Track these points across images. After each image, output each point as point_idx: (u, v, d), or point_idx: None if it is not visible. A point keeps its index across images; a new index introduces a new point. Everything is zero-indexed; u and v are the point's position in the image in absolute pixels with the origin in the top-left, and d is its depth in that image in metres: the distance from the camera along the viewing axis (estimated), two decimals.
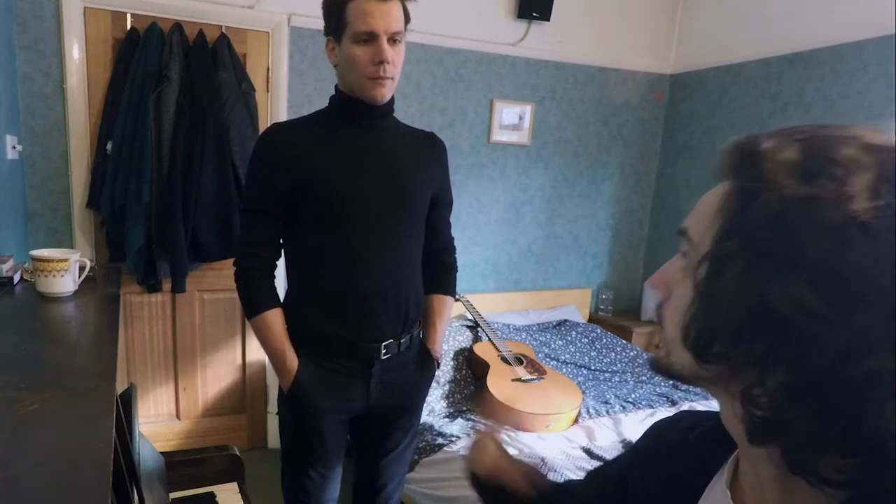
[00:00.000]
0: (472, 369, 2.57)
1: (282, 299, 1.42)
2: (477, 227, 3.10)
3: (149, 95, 2.23)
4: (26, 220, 2.34)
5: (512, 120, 3.04)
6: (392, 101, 1.39)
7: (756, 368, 0.41)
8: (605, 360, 2.89)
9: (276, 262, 1.42)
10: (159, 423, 2.69)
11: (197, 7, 2.39)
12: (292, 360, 1.37)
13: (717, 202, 0.45)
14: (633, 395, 2.58)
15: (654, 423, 0.69)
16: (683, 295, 0.46)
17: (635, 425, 2.29)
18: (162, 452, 1.36)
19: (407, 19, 1.32)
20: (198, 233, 2.34)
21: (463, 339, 2.72)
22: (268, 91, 2.59)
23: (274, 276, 1.41)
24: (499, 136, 3.03)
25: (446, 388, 2.49)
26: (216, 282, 2.65)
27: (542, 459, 1.97)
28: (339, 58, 1.32)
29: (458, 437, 2.12)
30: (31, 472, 0.62)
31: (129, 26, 2.32)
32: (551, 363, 2.74)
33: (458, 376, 2.55)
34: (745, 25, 2.88)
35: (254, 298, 1.37)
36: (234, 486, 1.44)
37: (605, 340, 2.98)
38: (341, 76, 1.35)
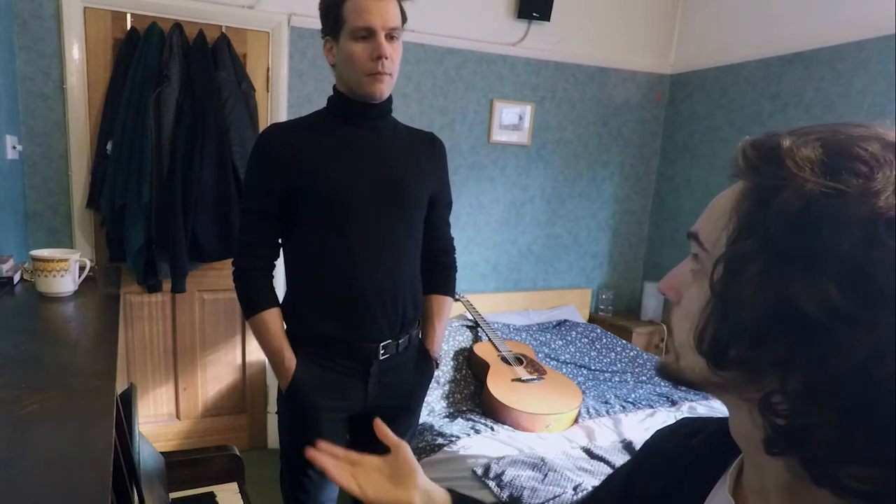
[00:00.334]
0: (472, 369, 2.57)
1: (281, 299, 1.42)
2: (477, 227, 3.10)
3: (149, 95, 2.23)
4: (26, 220, 2.34)
5: (512, 120, 3.04)
6: (390, 101, 1.39)
7: (776, 373, 0.39)
8: (605, 360, 2.89)
9: (275, 262, 1.42)
10: (159, 423, 2.69)
11: (197, 7, 2.39)
12: (290, 360, 1.37)
13: (730, 203, 0.43)
14: (633, 395, 2.58)
15: (657, 431, 0.68)
16: (696, 298, 0.45)
17: (635, 425, 2.29)
18: (162, 452, 1.36)
19: (403, 18, 1.32)
20: (198, 233, 2.34)
21: (463, 339, 2.72)
22: (268, 91, 2.59)
23: (272, 276, 1.42)
24: (499, 136, 3.03)
25: (446, 388, 2.49)
26: (216, 282, 2.65)
27: (542, 459, 1.97)
28: (337, 57, 1.32)
29: (458, 437, 2.12)
30: (31, 472, 0.62)
31: (129, 26, 2.32)
32: (551, 363, 2.74)
33: (458, 376, 2.55)
34: (745, 25, 2.88)
35: (252, 298, 1.37)
36: (234, 486, 1.44)
37: (605, 340, 2.98)
38: (339, 75, 1.35)
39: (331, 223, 1.34)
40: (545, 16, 2.91)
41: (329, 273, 1.36)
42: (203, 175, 2.31)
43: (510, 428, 2.22)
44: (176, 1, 2.35)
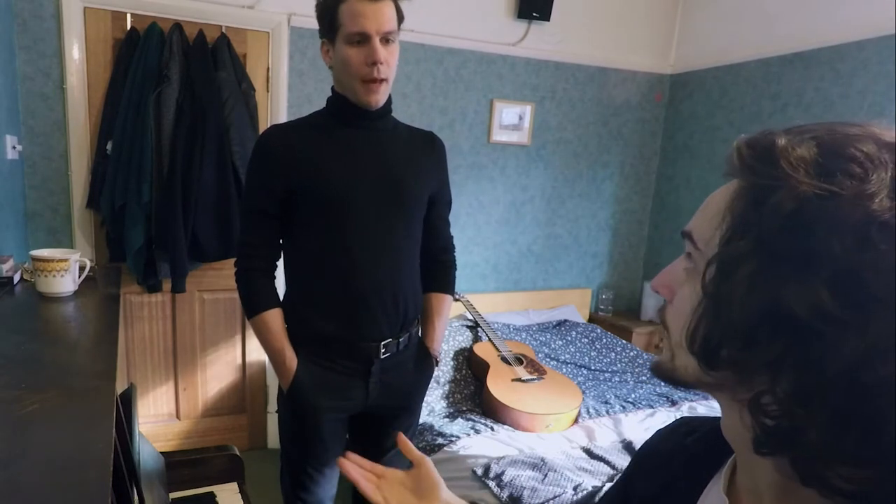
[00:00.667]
0: (472, 369, 2.57)
1: (281, 299, 1.42)
2: (477, 227, 3.10)
3: (149, 95, 2.23)
4: (26, 220, 2.34)
5: (512, 120, 3.04)
6: (389, 101, 1.39)
7: (767, 374, 0.39)
8: (605, 360, 2.89)
9: (276, 263, 1.42)
10: (159, 423, 2.69)
11: (197, 7, 2.39)
12: (291, 360, 1.38)
13: (724, 202, 0.43)
14: (633, 395, 2.58)
15: (656, 431, 0.68)
16: (688, 298, 0.45)
17: (635, 425, 2.29)
18: (162, 452, 1.36)
19: (400, 18, 1.32)
20: (198, 233, 2.34)
21: (463, 339, 2.72)
22: (268, 91, 2.59)
23: (274, 277, 1.42)
24: (499, 136, 3.03)
25: (446, 388, 2.49)
26: (216, 282, 2.65)
27: (542, 459, 1.97)
28: (333, 60, 1.33)
29: (458, 437, 2.12)
30: (31, 472, 0.62)
31: (129, 26, 2.32)
32: (551, 363, 2.74)
33: (458, 376, 2.55)
34: (745, 25, 2.88)
35: (254, 298, 1.38)
36: (234, 486, 1.44)
37: (605, 340, 2.98)
38: (336, 78, 1.36)
39: (331, 223, 1.34)
40: (545, 16, 2.91)
41: (329, 273, 1.36)
42: (203, 175, 2.31)
43: (510, 428, 2.22)
44: (176, 1, 2.35)
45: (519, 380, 2.41)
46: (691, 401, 2.51)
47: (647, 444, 0.67)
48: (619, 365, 2.87)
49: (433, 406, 2.38)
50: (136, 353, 2.59)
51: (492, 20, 2.90)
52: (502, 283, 3.24)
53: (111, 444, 0.67)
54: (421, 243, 1.49)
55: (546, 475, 1.88)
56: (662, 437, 0.65)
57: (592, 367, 2.83)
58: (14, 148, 2.14)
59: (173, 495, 1.34)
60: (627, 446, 2.11)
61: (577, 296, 3.39)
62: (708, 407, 2.44)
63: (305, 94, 2.63)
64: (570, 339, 2.95)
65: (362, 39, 1.26)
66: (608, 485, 1.82)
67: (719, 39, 3.03)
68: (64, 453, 0.67)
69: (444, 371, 2.54)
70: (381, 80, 1.29)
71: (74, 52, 2.28)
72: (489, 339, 2.67)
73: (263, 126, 2.53)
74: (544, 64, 3.05)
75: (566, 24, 3.03)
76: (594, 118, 3.24)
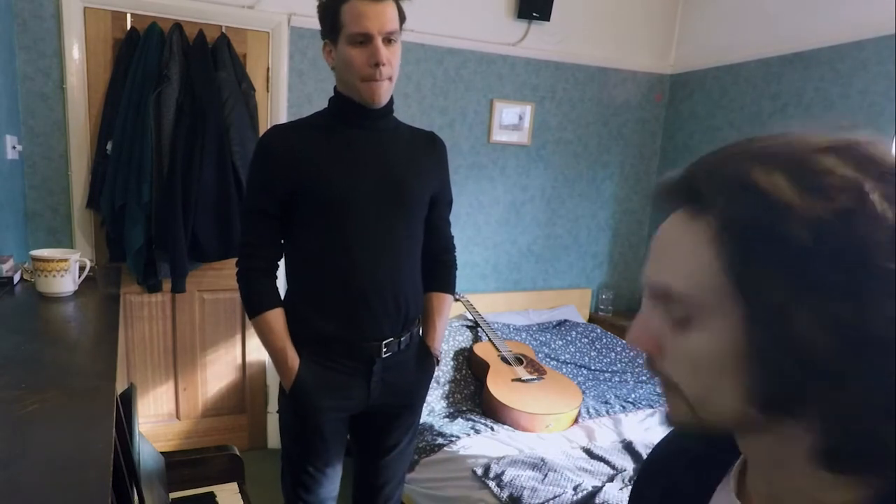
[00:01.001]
0: (472, 369, 2.58)
1: (282, 299, 1.42)
2: (477, 227, 3.10)
3: (149, 95, 2.23)
4: (26, 220, 2.34)
5: (512, 120, 3.04)
6: (391, 101, 1.40)
7: (852, 401, 0.38)
8: (605, 360, 2.89)
9: (278, 263, 1.43)
10: (159, 423, 2.69)
11: (197, 7, 2.39)
12: (293, 359, 1.38)
13: (696, 242, 0.42)
14: (633, 395, 2.58)
15: (659, 441, 0.68)
16: (703, 349, 0.42)
17: (635, 425, 2.29)
18: (162, 452, 1.36)
19: (402, 18, 1.32)
20: (198, 233, 2.34)
21: (463, 339, 2.72)
22: (268, 91, 2.59)
23: (275, 277, 1.42)
24: (499, 136, 3.03)
25: (446, 388, 2.49)
26: (216, 282, 2.65)
27: (542, 459, 1.97)
28: (336, 60, 1.33)
29: (458, 437, 2.12)
30: (31, 472, 0.62)
31: (129, 26, 2.32)
32: (551, 363, 2.74)
33: (458, 376, 2.55)
34: (745, 25, 2.88)
35: (255, 298, 1.38)
36: (234, 486, 1.45)
37: (605, 340, 2.98)
38: (339, 78, 1.36)
39: (332, 223, 1.34)
40: (545, 16, 2.91)
41: (330, 273, 1.36)
42: (203, 175, 2.31)
43: (510, 428, 2.22)
44: (176, 1, 2.35)
45: (519, 380, 2.41)
46: None
47: (651, 453, 0.67)
48: (619, 365, 2.87)
49: (433, 406, 2.38)
50: (136, 353, 2.59)
51: (492, 20, 2.90)
52: (502, 283, 3.24)
53: (111, 444, 0.68)
54: (422, 243, 1.49)
55: (546, 475, 1.88)
56: (667, 441, 0.65)
57: (592, 367, 2.83)
58: (14, 148, 2.14)
59: (173, 495, 1.34)
60: (627, 446, 2.11)
61: (577, 296, 3.39)
62: None
63: (305, 94, 2.63)
64: (570, 339, 2.95)
65: (364, 40, 1.26)
66: (609, 485, 1.82)
67: (719, 39, 3.03)
68: (64, 453, 0.67)
69: (444, 371, 2.54)
70: (384, 81, 1.29)
71: (74, 52, 2.28)
72: (489, 339, 2.67)
73: (263, 126, 2.53)
74: (544, 64, 3.05)
75: (566, 24, 3.03)
76: (594, 118, 3.24)
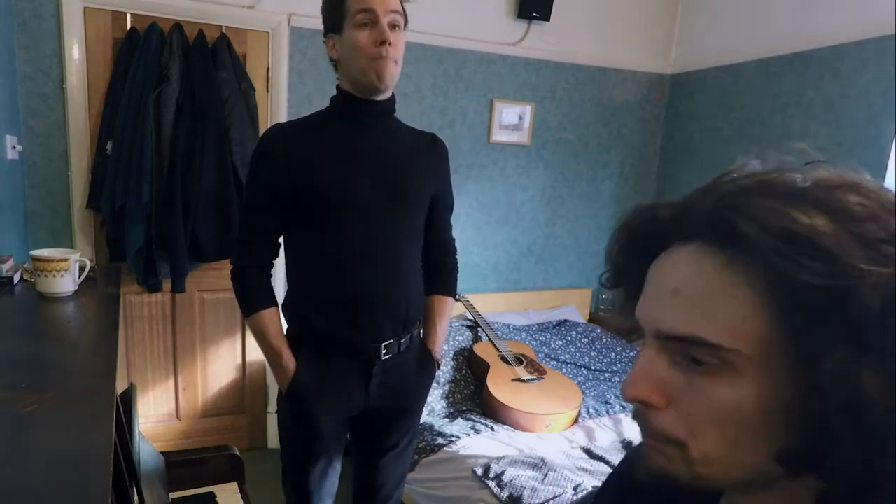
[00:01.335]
0: (472, 369, 2.58)
1: (281, 299, 1.42)
2: (477, 227, 3.10)
3: (149, 95, 2.23)
4: (26, 220, 2.34)
5: (512, 120, 3.04)
6: (393, 100, 1.40)
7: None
8: (605, 360, 2.89)
9: (274, 262, 1.42)
10: (159, 423, 2.69)
11: (197, 7, 2.39)
12: (289, 360, 1.37)
13: (743, 290, 0.39)
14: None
15: (623, 461, 0.64)
16: (737, 402, 0.40)
17: (635, 425, 2.29)
18: (162, 452, 1.36)
19: (405, 18, 1.33)
20: (198, 233, 2.34)
21: (463, 339, 2.72)
22: (268, 91, 2.59)
23: (271, 275, 1.42)
24: (499, 136, 3.03)
25: (446, 388, 2.49)
26: (216, 282, 2.65)
27: (542, 459, 1.97)
28: (340, 50, 1.32)
29: (458, 437, 2.12)
30: (31, 472, 0.62)
31: (129, 26, 2.32)
32: (551, 363, 2.74)
33: (458, 376, 2.55)
34: (745, 25, 2.88)
35: (250, 297, 1.38)
36: (234, 486, 1.45)
37: (605, 340, 2.98)
38: (343, 71, 1.35)
39: (332, 223, 1.34)
40: (545, 16, 2.91)
41: (330, 273, 1.35)
42: (203, 175, 2.31)
43: (510, 428, 2.22)
44: (176, 1, 2.35)
45: (519, 380, 2.41)
46: None
47: (620, 473, 0.63)
48: (619, 365, 2.87)
49: (433, 406, 2.38)
50: (136, 353, 2.59)
51: (492, 20, 2.90)
52: (502, 283, 3.24)
53: (111, 444, 0.68)
54: (423, 245, 1.49)
55: (546, 475, 1.88)
56: (622, 478, 0.61)
57: (592, 367, 2.83)
58: (14, 148, 2.14)
59: (173, 495, 1.34)
60: (627, 446, 2.11)
61: (577, 296, 3.39)
62: None
63: (305, 94, 2.63)
64: (570, 339, 2.95)
65: (371, 21, 1.27)
66: None
67: (719, 39, 3.03)
68: (64, 453, 0.67)
69: (444, 371, 2.54)
70: (391, 60, 1.29)
71: (74, 52, 2.28)
72: (489, 339, 2.67)
73: (263, 126, 2.53)
74: (544, 64, 3.05)
75: (566, 23, 3.03)
76: (594, 118, 3.24)
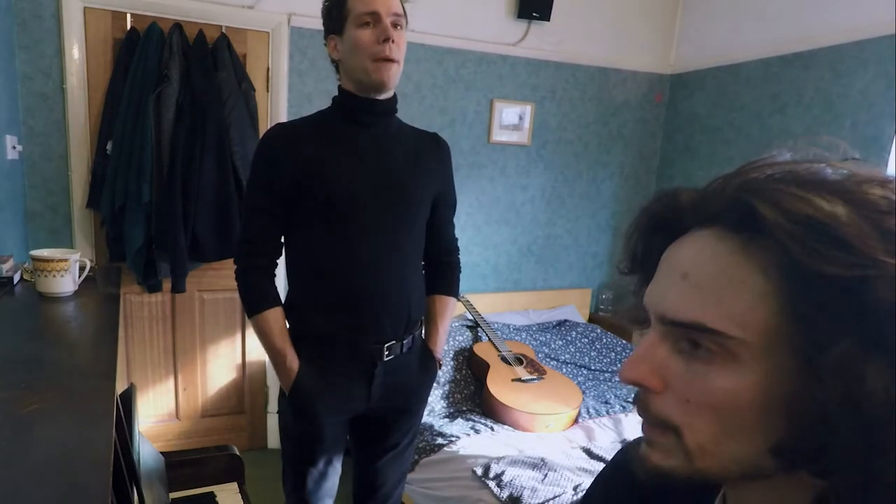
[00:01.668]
0: (472, 369, 2.58)
1: (283, 299, 1.42)
2: (477, 227, 3.10)
3: (149, 95, 2.23)
4: (26, 220, 2.34)
5: (512, 120, 3.04)
6: (395, 100, 1.40)
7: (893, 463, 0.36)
8: (605, 360, 2.89)
9: (277, 262, 1.42)
10: (159, 423, 2.69)
11: (197, 7, 2.39)
12: (292, 360, 1.37)
13: (755, 276, 0.38)
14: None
15: (620, 452, 0.63)
16: (727, 391, 0.39)
17: (635, 425, 2.28)
18: (162, 452, 1.36)
19: (405, 18, 1.33)
20: (198, 233, 2.34)
21: (463, 339, 2.73)
22: (268, 91, 2.59)
23: (274, 276, 1.42)
24: (499, 136, 3.03)
25: (446, 388, 2.49)
26: (216, 282, 2.65)
27: (542, 459, 1.97)
28: (342, 50, 1.33)
29: (458, 437, 2.12)
30: (31, 472, 0.62)
31: (129, 26, 2.32)
32: (551, 363, 2.74)
33: (458, 376, 2.55)
34: (745, 25, 2.88)
35: (254, 297, 1.37)
36: (234, 486, 1.45)
37: (605, 340, 2.99)
38: (345, 70, 1.35)
39: (334, 223, 1.34)
40: (545, 16, 2.91)
41: (332, 273, 1.35)
42: (203, 175, 2.31)
43: (510, 428, 2.22)
44: (176, 1, 2.35)
45: (519, 380, 2.41)
46: None
47: (611, 468, 0.62)
48: (619, 365, 2.87)
49: (433, 406, 2.38)
50: (136, 353, 2.59)
51: (492, 20, 2.90)
52: (502, 283, 3.24)
53: (111, 444, 0.68)
54: (425, 245, 1.49)
55: (546, 475, 1.88)
56: (615, 474, 0.61)
57: (592, 367, 2.83)
58: (14, 148, 2.14)
59: (173, 495, 1.34)
60: None
61: (577, 296, 3.39)
62: None
63: (305, 94, 2.63)
64: (570, 339, 2.95)
65: (373, 20, 1.27)
66: None
67: (719, 39, 3.03)
68: (64, 453, 0.67)
69: (444, 371, 2.54)
70: (393, 60, 1.29)
71: (74, 52, 2.28)
72: (489, 339, 2.67)
73: (263, 126, 2.53)
74: (544, 64, 3.05)
75: (566, 24, 3.03)
76: (594, 118, 3.24)
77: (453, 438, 2.12)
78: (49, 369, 0.93)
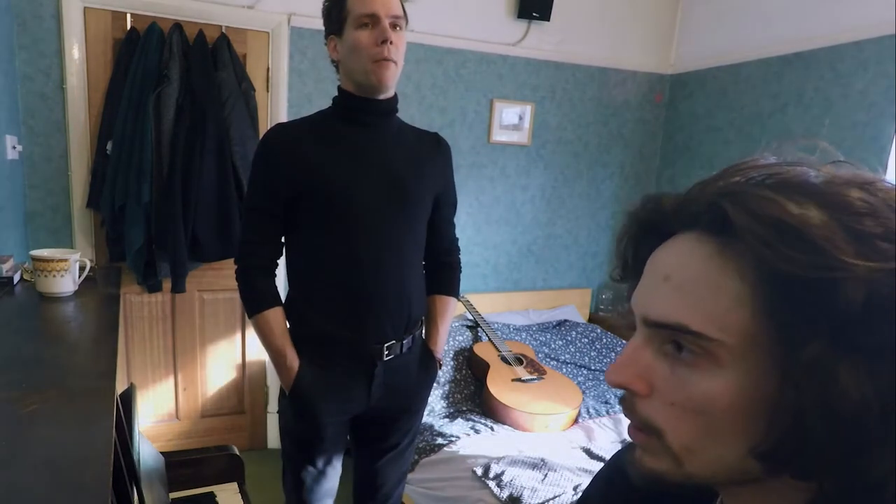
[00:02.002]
0: (472, 369, 2.58)
1: (283, 299, 1.42)
2: (477, 227, 3.10)
3: (149, 95, 2.23)
4: (26, 220, 2.34)
5: (512, 120, 3.04)
6: (395, 100, 1.40)
7: (873, 465, 0.36)
8: (605, 360, 2.89)
9: (278, 262, 1.42)
10: (159, 423, 2.69)
11: (197, 7, 2.39)
12: (293, 360, 1.37)
13: (731, 280, 0.39)
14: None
15: (617, 454, 0.62)
16: (704, 393, 0.40)
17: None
18: (162, 452, 1.36)
19: (405, 17, 1.33)
20: (198, 233, 2.34)
21: (463, 339, 2.73)
22: (268, 91, 2.59)
23: (275, 275, 1.42)
24: (499, 136, 3.03)
25: (446, 388, 2.49)
26: (216, 282, 2.65)
27: (542, 459, 1.97)
28: (341, 51, 1.33)
29: (458, 437, 2.12)
30: (31, 472, 0.62)
31: (129, 26, 2.32)
32: (551, 363, 2.74)
33: (458, 376, 2.55)
34: (745, 25, 2.88)
35: (255, 297, 1.38)
36: (234, 486, 1.45)
37: (605, 340, 2.99)
38: (345, 71, 1.35)
39: (334, 223, 1.34)
40: (545, 16, 2.91)
41: (332, 273, 1.36)
42: (203, 175, 2.31)
43: (510, 428, 2.22)
44: (176, 1, 2.35)
45: (519, 380, 2.41)
46: None
47: (608, 470, 0.62)
48: None
49: (433, 406, 2.38)
50: (136, 353, 2.59)
51: (492, 20, 2.90)
52: (502, 283, 3.24)
53: (111, 444, 0.68)
54: (425, 245, 1.49)
55: (546, 475, 1.88)
56: (610, 478, 0.61)
57: (592, 367, 2.83)
58: (14, 148, 2.14)
59: (173, 495, 1.34)
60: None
61: (577, 296, 3.39)
62: None
63: (305, 94, 2.63)
64: (570, 339, 2.95)
65: (372, 22, 1.27)
66: None
67: (719, 39, 3.03)
68: (64, 453, 0.67)
69: (444, 371, 2.54)
70: (391, 61, 1.29)
71: (74, 52, 2.28)
72: (489, 339, 2.67)
73: (263, 126, 2.53)
74: (544, 64, 3.05)
75: (566, 23, 3.03)
76: (594, 118, 3.24)
77: (453, 438, 2.12)
78: (49, 369, 0.93)
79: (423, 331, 1.54)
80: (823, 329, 0.36)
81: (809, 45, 2.56)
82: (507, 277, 3.25)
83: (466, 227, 3.05)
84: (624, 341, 3.02)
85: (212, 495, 1.40)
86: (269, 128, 1.43)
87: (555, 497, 1.77)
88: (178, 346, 2.66)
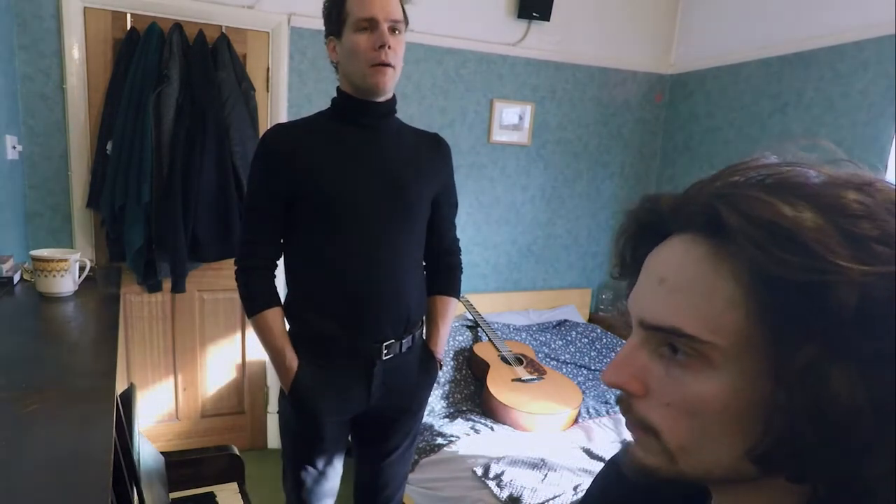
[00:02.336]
0: (472, 369, 2.58)
1: (282, 299, 1.42)
2: (477, 227, 3.10)
3: (149, 95, 2.23)
4: (26, 220, 2.34)
5: (512, 120, 3.04)
6: (394, 101, 1.40)
7: (867, 468, 0.36)
8: (605, 360, 2.89)
9: (277, 262, 1.43)
10: (159, 423, 2.69)
11: (197, 7, 2.39)
12: (292, 360, 1.37)
13: (725, 283, 0.38)
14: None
15: (618, 453, 0.65)
16: (699, 395, 0.40)
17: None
18: (162, 452, 1.36)
19: (405, 20, 1.33)
20: (198, 233, 2.34)
21: (463, 339, 2.73)
22: (268, 91, 2.59)
23: (274, 276, 1.42)
24: (499, 136, 3.03)
25: (446, 388, 2.49)
26: (216, 282, 2.65)
27: (542, 459, 1.97)
28: (340, 53, 1.33)
29: (458, 437, 2.12)
30: (31, 472, 0.62)
31: (129, 26, 2.32)
32: (551, 363, 2.74)
33: (458, 376, 2.55)
34: (745, 25, 2.88)
35: (254, 297, 1.38)
36: (234, 486, 1.45)
37: (605, 340, 2.99)
38: (343, 73, 1.36)
39: (333, 224, 1.34)
40: (545, 16, 2.91)
41: (331, 273, 1.36)
42: (203, 175, 2.31)
43: (510, 428, 2.22)
44: (176, 1, 2.35)
45: (519, 380, 2.41)
46: None
47: (602, 478, 0.62)
48: None
49: (433, 406, 2.38)
50: (136, 353, 2.59)
51: (492, 20, 2.90)
52: (502, 283, 3.24)
53: (111, 444, 0.68)
54: (426, 245, 1.49)
55: (546, 475, 1.88)
56: (608, 479, 0.61)
57: (592, 367, 2.83)
58: (14, 148, 2.14)
59: (173, 495, 1.34)
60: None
61: (577, 296, 3.39)
62: None
63: (305, 94, 2.63)
64: (570, 339, 2.95)
65: (371, 26, 1.27)
66: None
67: (719, 39, 3.03)
68: (64, 453, 0.67)
69: (444, 371, 2.54)
70: (389, 65, 1.29)
71: (74, 52, 2.28)
72: (489, 339, 2.67)
73: (263, 126, 2.53)
74: (544, 64, 3.05)
75: (566, 23, 3.03)
76: (594, 118, 3.24)
77: (453, 438, 2.12)
78: (49, 369, 0.93)
79: (424, 331, 1.54)
80: (816, 332, 0.35)
81: (809, 45, 2.56)
82: (507, 277, 3.25)
83: (466, 227, 3.05)
84: (623, 341, 3.01)
85: (212, 495, 1.40)
86: (268, 128, 1.43)
87: (555, 497, 1.77)
88: (178, 346, 2.66)
